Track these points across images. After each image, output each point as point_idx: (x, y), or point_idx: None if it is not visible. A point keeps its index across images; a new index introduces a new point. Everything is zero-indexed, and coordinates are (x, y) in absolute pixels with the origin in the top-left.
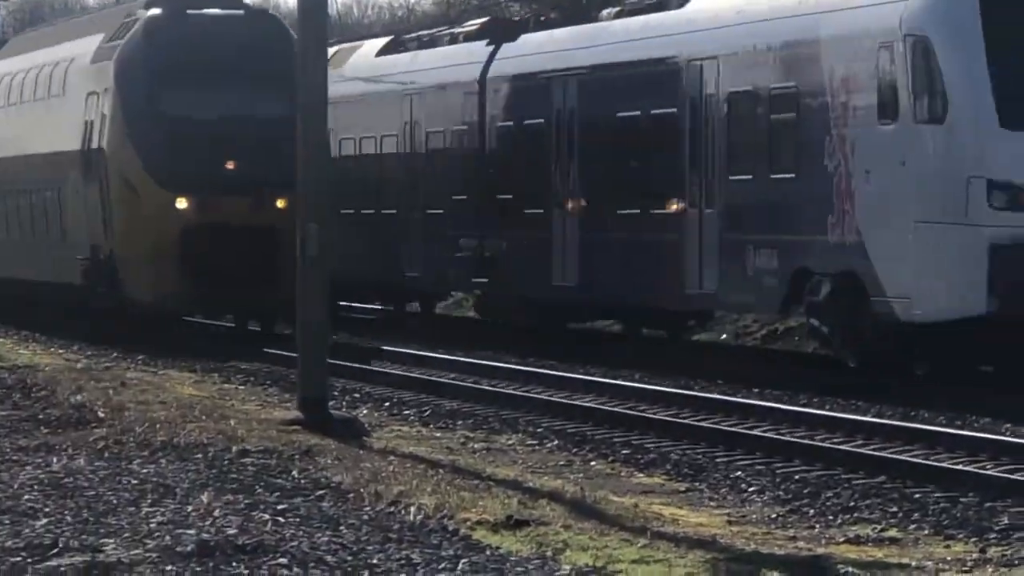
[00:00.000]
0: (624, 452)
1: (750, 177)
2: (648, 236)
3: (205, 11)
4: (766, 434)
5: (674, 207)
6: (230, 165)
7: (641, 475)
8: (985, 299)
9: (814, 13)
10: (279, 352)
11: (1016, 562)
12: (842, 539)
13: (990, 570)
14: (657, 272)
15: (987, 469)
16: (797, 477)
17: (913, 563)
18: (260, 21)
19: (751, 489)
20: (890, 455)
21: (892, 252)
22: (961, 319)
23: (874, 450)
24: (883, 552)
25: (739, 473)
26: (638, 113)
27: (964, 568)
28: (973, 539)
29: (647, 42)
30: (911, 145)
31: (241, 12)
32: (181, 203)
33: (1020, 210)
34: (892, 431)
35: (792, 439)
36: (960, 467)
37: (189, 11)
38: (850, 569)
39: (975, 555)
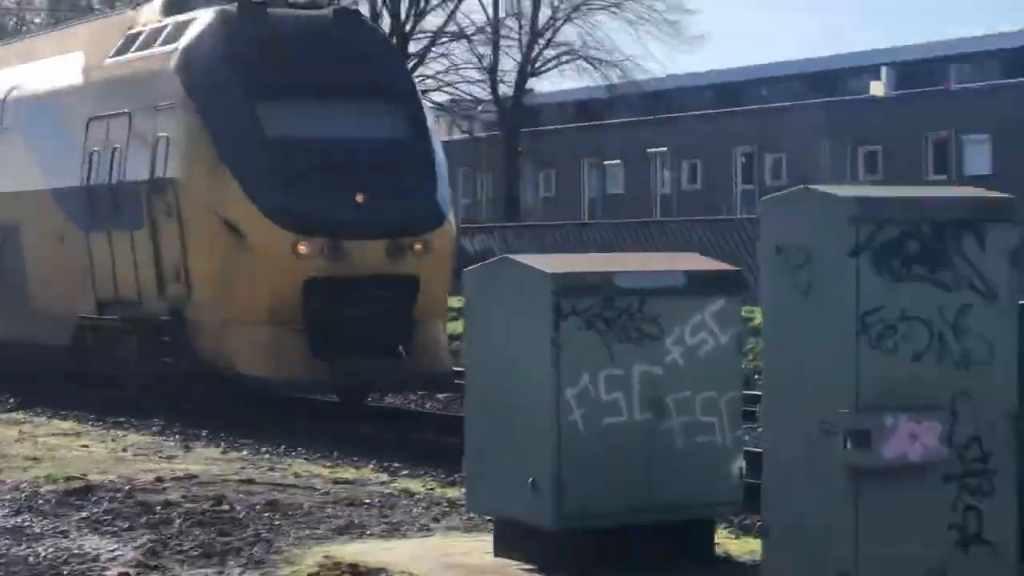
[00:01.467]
0: None
1: None
2: None
3: (288, 9)
4: None
5: None
6: (359, 199)
7: None
8: None
9: None
10: None
11: None
12: None
13: None
14: None
15: None
16: None
17: None
18: (352, 22)
19: None
20: None
21: None
22: None
23: None
24: None
25: None
26: None
27: None
28: None
29: None
30: None
31: (328, 12)
32: (303, 248)
33: None
34: None
35: None
36: None
37: (270, 9)
38: None
39: None
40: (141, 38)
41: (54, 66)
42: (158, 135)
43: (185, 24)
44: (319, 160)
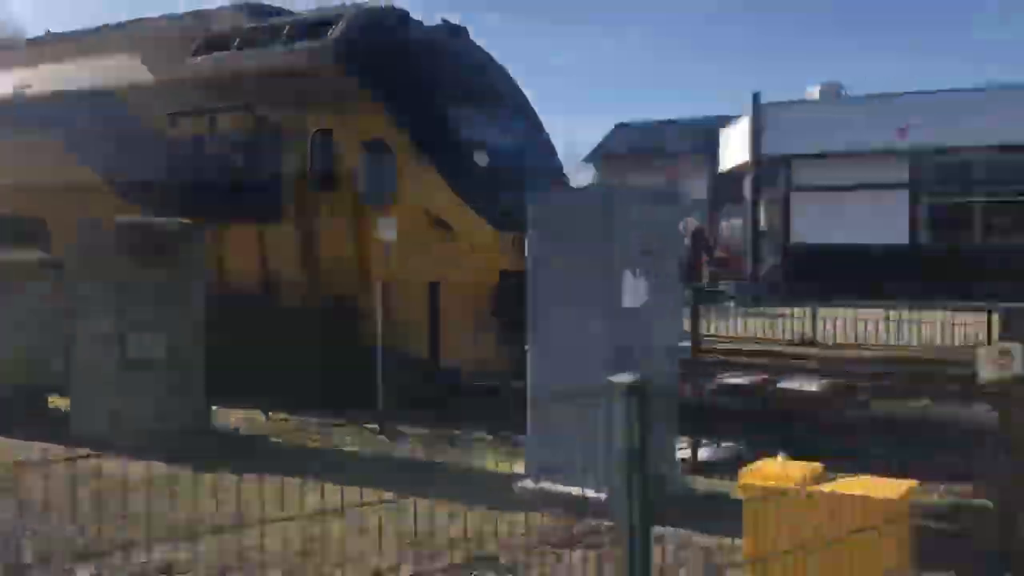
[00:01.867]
0: None
1: None
2: None
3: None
4: None
5: None
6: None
7: None
8: None
9: None
10: None
11: None
12: None
13: None
14: None
15: None
16: None
17: None
18: (461, 34)
19: None
20: None
21: None
22: None
23: None
24: None
25: None
26: None
27: None
28: None
29: None
30: None
31: (442, 24)
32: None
33: None
34: None
35: None
36: None
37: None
38: None
39: None
40: (241, 38)
41: (110, 66)
42: (313, 130)
43: (322, 23)
44: (494, 160)
